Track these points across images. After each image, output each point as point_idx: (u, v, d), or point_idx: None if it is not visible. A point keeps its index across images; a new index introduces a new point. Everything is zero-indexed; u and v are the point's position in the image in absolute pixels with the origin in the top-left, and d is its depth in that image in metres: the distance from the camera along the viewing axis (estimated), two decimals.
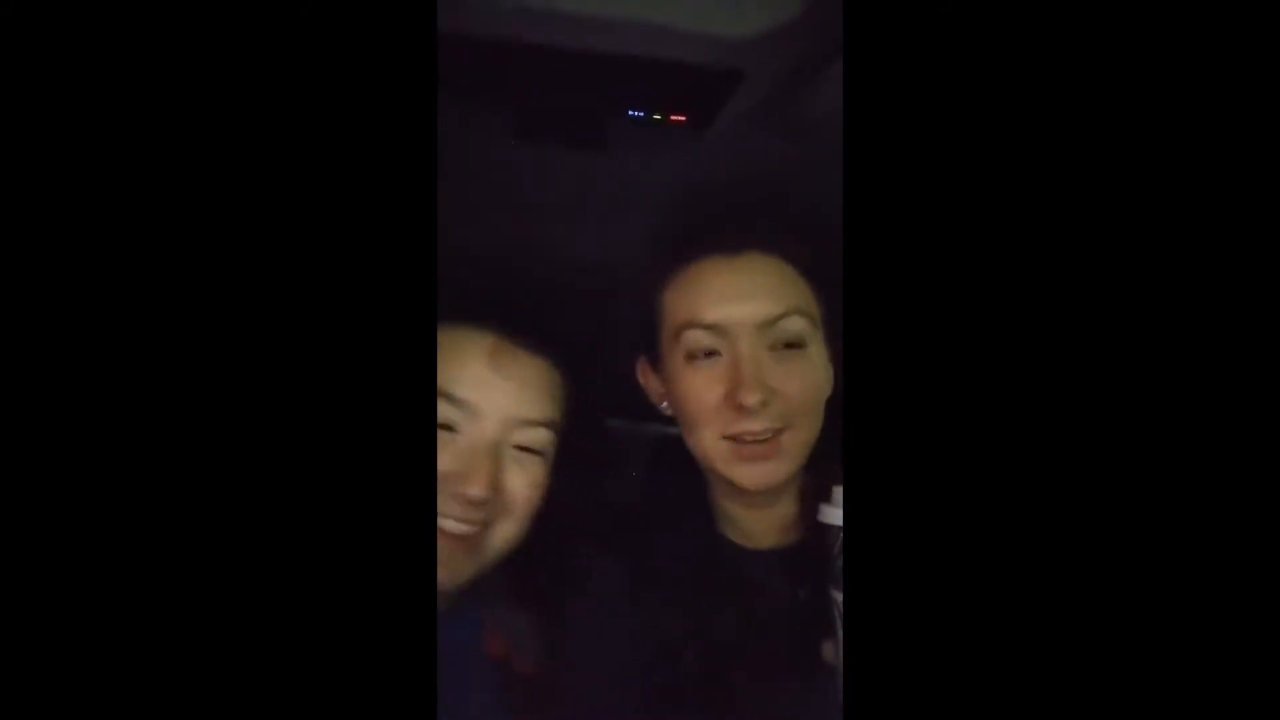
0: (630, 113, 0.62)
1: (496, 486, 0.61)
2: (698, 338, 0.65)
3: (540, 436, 0.65)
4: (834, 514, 0.54)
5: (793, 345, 0.65)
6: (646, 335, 0.71)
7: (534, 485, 0.65)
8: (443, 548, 0.60)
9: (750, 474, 0.65)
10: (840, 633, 0.54)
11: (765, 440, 0.64)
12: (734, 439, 0.64)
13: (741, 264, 0.67)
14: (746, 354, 0.64)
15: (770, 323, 0.65)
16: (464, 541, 0.61)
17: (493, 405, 0.63)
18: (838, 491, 0.54)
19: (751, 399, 0.62)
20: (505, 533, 0.64)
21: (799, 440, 0.65)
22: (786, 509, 0.70)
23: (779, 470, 0.65)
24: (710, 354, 0.65)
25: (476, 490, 0.60)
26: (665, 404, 0.71)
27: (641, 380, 0.74)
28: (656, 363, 0.71)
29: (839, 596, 0.54)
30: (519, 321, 0.67)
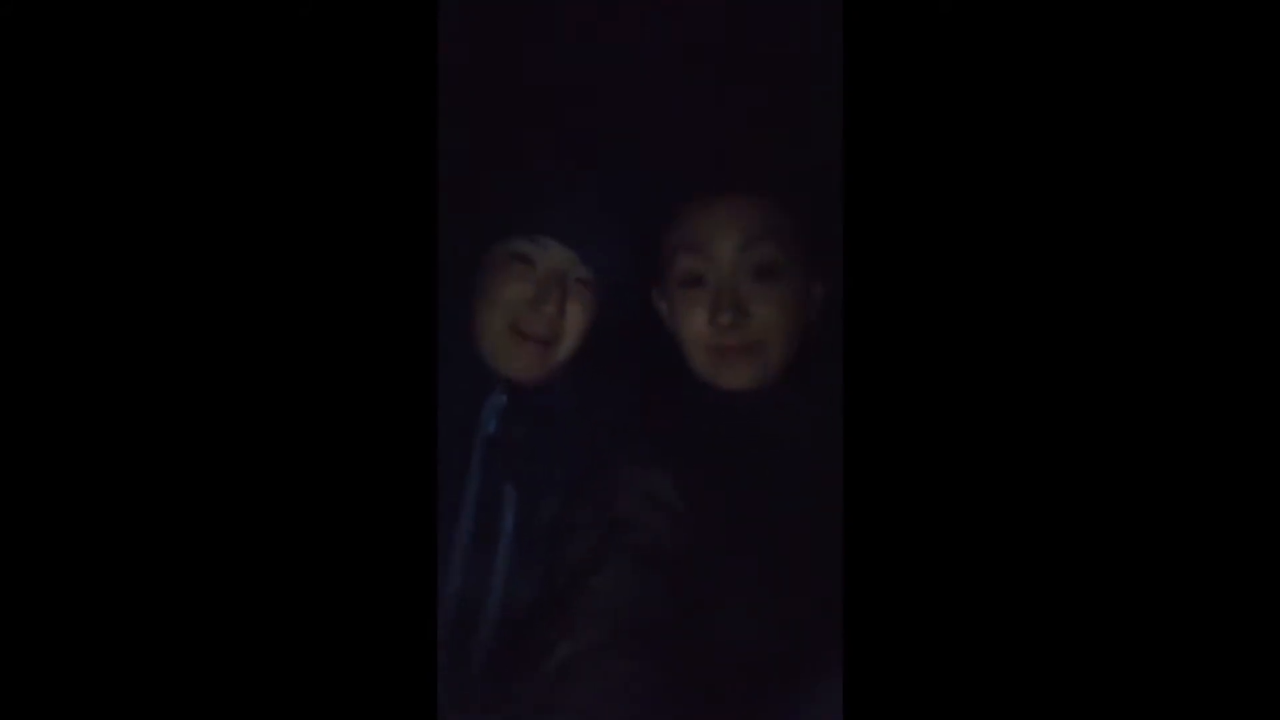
0: None
1: (562, 308, 0.78)
2: (686, 263, 0.78)
3: (589, 272, 0.80)
4: None
5: (769, 271, 0.76)
6: (655, 265, 0.83)
7: (587, 310, 0.80)
8: (526, 351, 0.78)
9: (730, 376, 0.77)
10: None
11: (742, 349, 0.76)
12: (716, 349, 0.77)
13: (726, 201, 0.78)
14: (725, 278, 0.76)
15: (745, 249, 0.76)
16: (541, 345, 0.79)
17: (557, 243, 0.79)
18: None
19: (725, 318, 0.75)
20: (568, 347, 0.80)
21: (775, 356, 0.77)
22: None
23: (755, 377, 0.77)
24: (697, 280, 0.77)
25: (550, 308, 0.77)
26: (669, 323, 0.82)
27: (655, 303, 0.85)
28: (662, 288, 0.83)
29: None
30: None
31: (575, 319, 0.79)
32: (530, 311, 0.77)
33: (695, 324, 0.77)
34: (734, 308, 0.74)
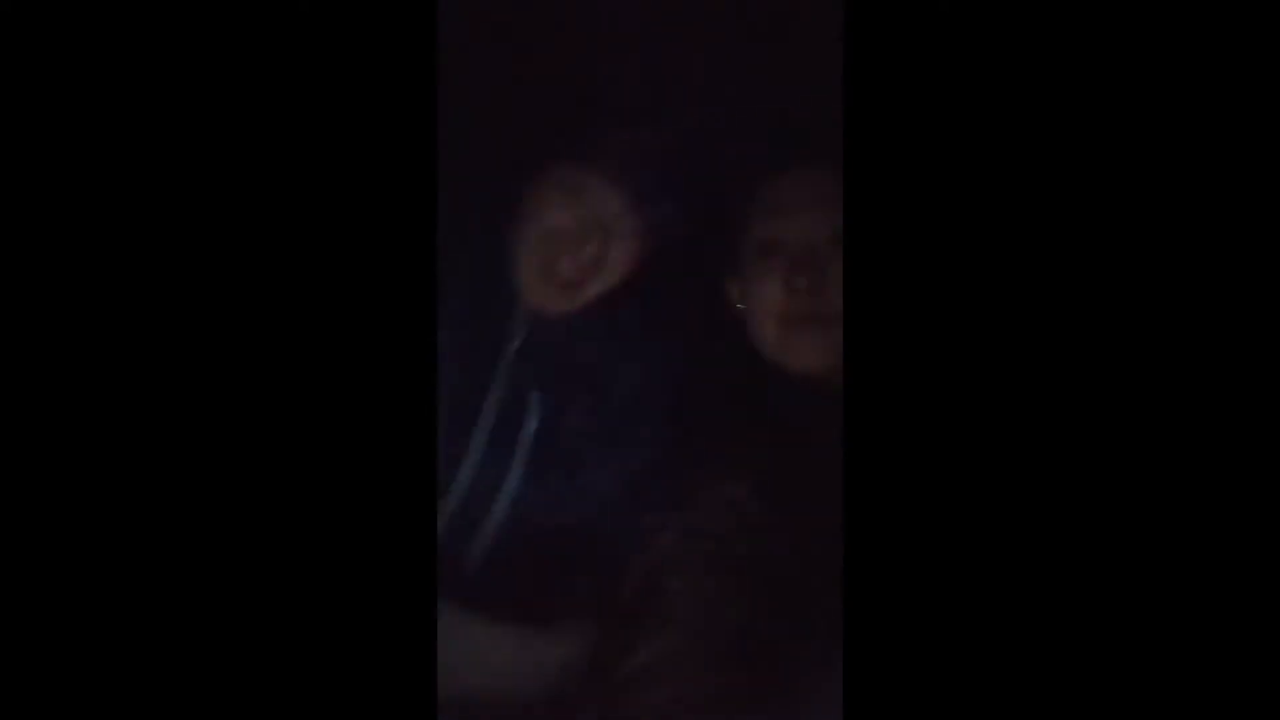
0: None
1: (604, 251, 0.76)
2: (764, 229, 0.75)
3: (641, 219, 0.78)
4: None
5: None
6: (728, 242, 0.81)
7: (631, 254, 0.78)
8: (557, 286, 0.77)
9: (799, 352, 0.74)
10: None
11: (815, 320, 0.72)
12: (786, 321, 0.74)
13: (809, 170, 0.76)
14: (806, 243, 0.73)
15: (828, 217, 0.72)
16: (572, 285, 0.77)
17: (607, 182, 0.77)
18: None
19: (802, 281, 0.72)
20: (601, 285, 0.78)
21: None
22: None
23: (826, 354, 0.72)
24: (775, 246, 0.74)
25: (590, 250, 0.76)
26: (740, 302, 0.79)
27: (727, 290, 0.82)
28: (735, 268, 0.80)
29: None
30: None
31: (618, 260, 0.77)
32: (567, 247, 0.76)
33: (770, 293, 0.74)
34: (813, 271, 0.71)
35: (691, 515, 0.70)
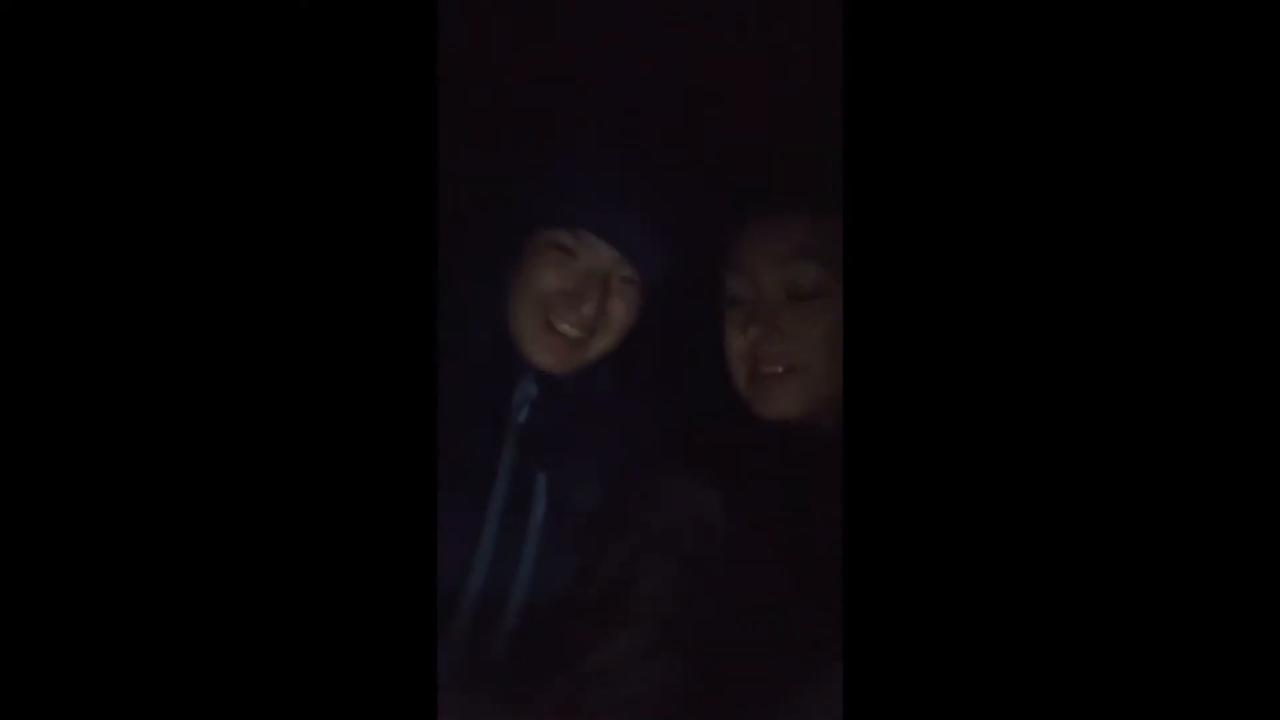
0: None
1: (603, 307, 0.75)
2: (727, 282, 0.77)
3: (634, 272, 0.78)
4: None
5: (808, 293, 0.74)
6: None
7: (630, 309, 0.78)
8: (558, 346, 0.77)
9: (766, 406, 0.75)
10: None
11: (778, 375, 0.74)
12: (755, 376, 0.75)
13: (767, 219, 0.76)
14: (762, 298, 0.75)
15: (784, 267, 0.74)
16: (574, 344, 0.77)
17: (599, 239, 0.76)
18: None
19: (754, 333, 0.74)
20: (604, 343, 0.78)
21: (811, 382, 0.74)
22: None
23: (791, 407, 0.74)
24: (736, 300, 0.76)
25: (589, 308, 0.74)
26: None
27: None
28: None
29: None
30: None
31: (618, 317, 0.77)
32: (565, 306, 0.75)
33: (736, 344, 0.76)
34: (766, 324, 0.73)
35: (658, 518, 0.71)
